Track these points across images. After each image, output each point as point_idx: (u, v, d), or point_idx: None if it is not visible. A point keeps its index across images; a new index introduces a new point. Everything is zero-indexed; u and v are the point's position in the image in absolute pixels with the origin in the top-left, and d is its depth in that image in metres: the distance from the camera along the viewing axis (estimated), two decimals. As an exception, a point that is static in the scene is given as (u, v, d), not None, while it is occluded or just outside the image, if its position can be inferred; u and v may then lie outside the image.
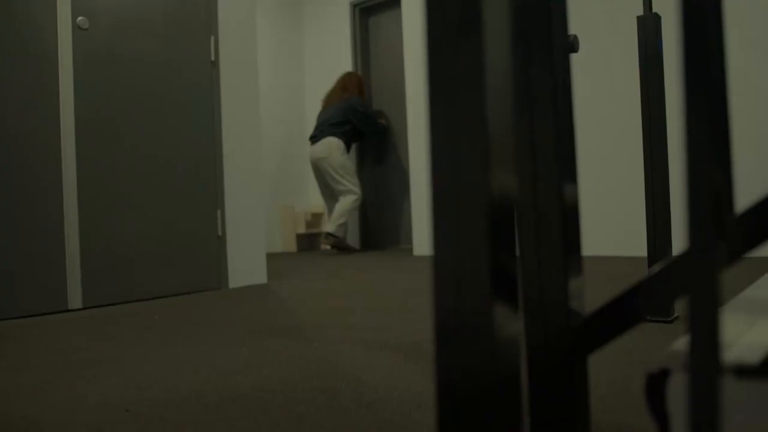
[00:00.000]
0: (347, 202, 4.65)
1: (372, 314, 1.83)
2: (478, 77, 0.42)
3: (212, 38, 2.72)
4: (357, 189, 4.69)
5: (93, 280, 2.26)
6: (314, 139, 4.78)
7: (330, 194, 4.90)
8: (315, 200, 5.81)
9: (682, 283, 0.49)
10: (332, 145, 4.66)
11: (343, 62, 5.52)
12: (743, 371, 0.42)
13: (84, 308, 2.24)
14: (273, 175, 5.48)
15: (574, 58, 3.60)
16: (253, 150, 2.85)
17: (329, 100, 4.91)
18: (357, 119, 4.74)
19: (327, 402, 0.95)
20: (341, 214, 4.61)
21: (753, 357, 0.42)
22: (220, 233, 2.69)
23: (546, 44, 0.57)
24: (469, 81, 0.42)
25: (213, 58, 2.71)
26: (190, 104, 2.61)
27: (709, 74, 0.38)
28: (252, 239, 2.81)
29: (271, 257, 4.84)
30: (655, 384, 0.46)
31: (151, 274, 2.44)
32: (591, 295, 1.95)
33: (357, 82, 4.88)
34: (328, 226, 4.62)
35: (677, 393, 0.45)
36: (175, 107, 2.56)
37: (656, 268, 0.50)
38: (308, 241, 5.70)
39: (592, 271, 2.72)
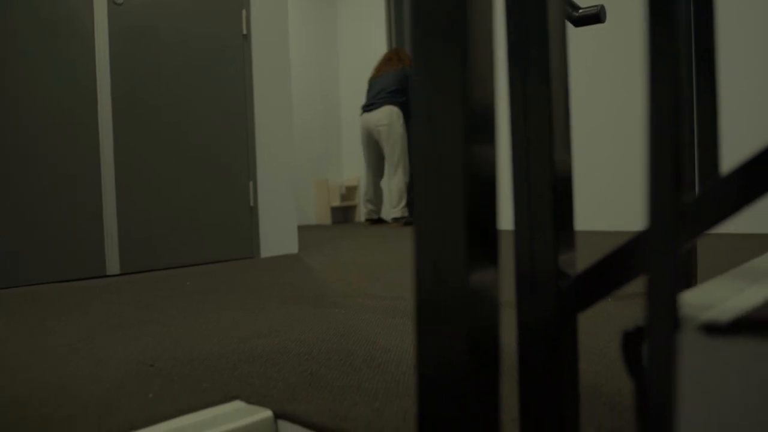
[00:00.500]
0: (400, 182, 4.59)
1: (396, 285, 1.86)
2: (458, 44, 0.43)
3: (243, 12, 2.75)
4: (406, 166, 4.64)
5: (130, 248, 2.34)
6: (371, 106, 4.69)
7: (377, 167, 4.82)
8: (349, 174, 5.85)
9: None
10: (393, 113, 4.57)
11: (377, 36, 5.50)
12: (713, 329, 0.43)
13: (121, 274, 2.33)
14: (308, 150, 5.53)
15: (573, 27, 3.52)
16: (284, 123, 2.89)
17: (383, 68, 4.79)
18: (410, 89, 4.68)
19: (340, 362, 0.98)
20: (400, 197, 4.60)
21: (725, 317, 0.43)
22: (252, 204, 2.75)
23: (541, 10, 0.58)
24: (449, 47, 0.43)
25: (245, 32, 2.74)
26: (222, 78, 2.65)
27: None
28: (283, 210, 2.87)
29: (306, 229, 4.91)
30: (631, 342, 0.47)
31: (185, 242, 2.52)
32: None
33: (407, 56, 4.82)
34: (395, 213, 4.60)
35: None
36: (207, 81, 2.61)
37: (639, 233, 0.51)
38: (342, 214, 5.75)
39: (595, 245, 2.69)
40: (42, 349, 1.18)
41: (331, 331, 1.24)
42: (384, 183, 5.40)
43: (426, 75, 0.44)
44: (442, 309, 0.46)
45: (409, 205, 4.74)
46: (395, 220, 4.63)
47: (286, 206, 2.88)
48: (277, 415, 0.79)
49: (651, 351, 0.39)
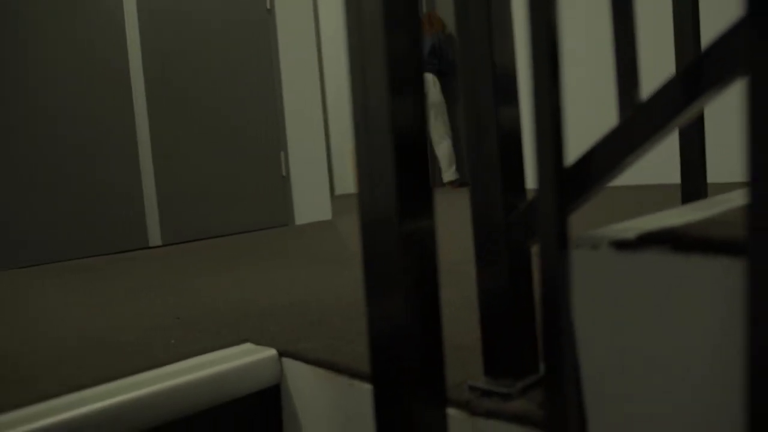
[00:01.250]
0: (447, 147, 4.64)
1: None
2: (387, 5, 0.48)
3: (267, -15, 2.81)
4: (449, 131, 4.67)
5: (170, 220, 2.47)
6: None
7: None
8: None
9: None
10: (429, 80, 4.57)
11: (409, 0, 5.47)
12: (621, 245, 0.48)
13: (163, 245, 2.46)
14: (345, 119, 5.60)
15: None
16: (312, 95, 2.95)
17: None
18: (444, 55, 4.67)
19: (343, 313, 1.06)
20: (450, 161, 4.66)
21: (631, 234, 0.48)
22: (284, 173, 2.84)
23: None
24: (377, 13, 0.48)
25: (269, 6, 2.81)
26: (248, 53, 2.73)
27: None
28: (315, 178, 2.95)
29: (342, 198, 5.01)
30: (558, 260, 0.52)
31: (222, 213, 2.63)
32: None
33: (439, 20, 4.79)
34: (448, 176, 4.67)
35: (575, 266, 0.51)
36: (234, 56, 2.69)
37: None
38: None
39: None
40: (89, 305, 1.30)
41: (348, 287, 1.31)
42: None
43: (356, 37, 0.50)
44: (381, 255, 0.52)
45: (459, 168, 4.78)
46: (450, 183, 4.69)
47: (318, 174, 2.96)
48: (281, 354, 0.87)
49: (542, 269, 0.44)
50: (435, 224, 0.53)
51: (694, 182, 1.09)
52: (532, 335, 0.65)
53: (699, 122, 1.07)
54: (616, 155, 0.49)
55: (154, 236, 2.44)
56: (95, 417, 0.72)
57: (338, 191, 5.60)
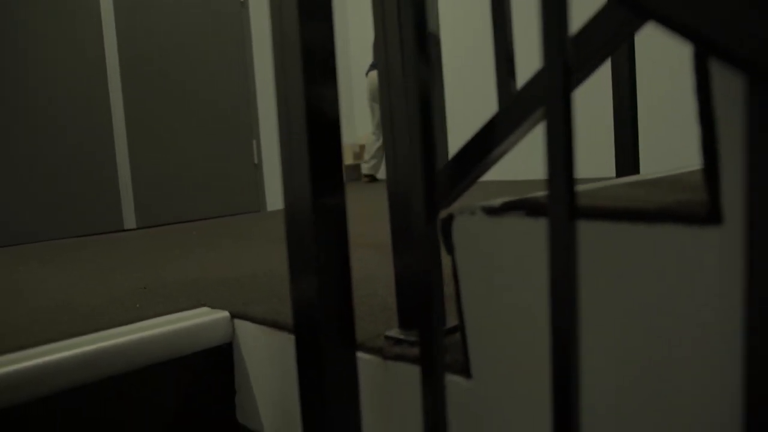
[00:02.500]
0: (373, 141, 4.75)
1: (377, 230, 2.03)
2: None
3: (242, -22, 2.89)
4: None
5: (145, 204, 2.56)
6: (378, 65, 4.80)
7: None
8: (362, 132, 6.00)
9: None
10: None
11: (386, -6, 5.57)
12: (490, 211, 0.60)
13: (138, 228, 2.55)
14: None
15: None
16: (286, 83, 3.05)
17: None
18: None
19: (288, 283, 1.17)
20: (370, 155, 4.75)
21: (498, 203, 0.60)
22: (256, 161, 2.94)
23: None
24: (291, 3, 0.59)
25: (242, 0, 2.90)
26: (223, 44, 2.82)
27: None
28: (288, 167, 3.05)
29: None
30: (446, 224, 0.64)
31: (196, 198, 2.72)
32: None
33: None
34: (363, 168, 4.76)
35: (457, 230, 0.63)
36: (209, 47, 2.77)
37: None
38: (356, 172, 5.92)
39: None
40: (62, 279, 1.40)
41: (302, 261, 1.42)
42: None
43: (279, 28, 0.61)
44: (300, 229, 0.63)
45: None
46: (365, 176, 4.80)
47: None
48: (233, 315, 0.98)
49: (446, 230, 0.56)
50: (345, 201, 0.65)
51: (626, 172, 1.21)
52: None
53: (633, 115, 1.19)
54: (486, 149, 0.61)
55: (129, 219, 2.53)
56: (63, 363, 0.82)
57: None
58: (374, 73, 4.77)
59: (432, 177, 0.56)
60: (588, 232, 0.52)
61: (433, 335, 0.57)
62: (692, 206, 0.46)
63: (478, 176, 0.63)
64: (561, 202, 0.43)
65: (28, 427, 0.80)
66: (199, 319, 0.96)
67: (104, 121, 2.45)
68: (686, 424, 0.48)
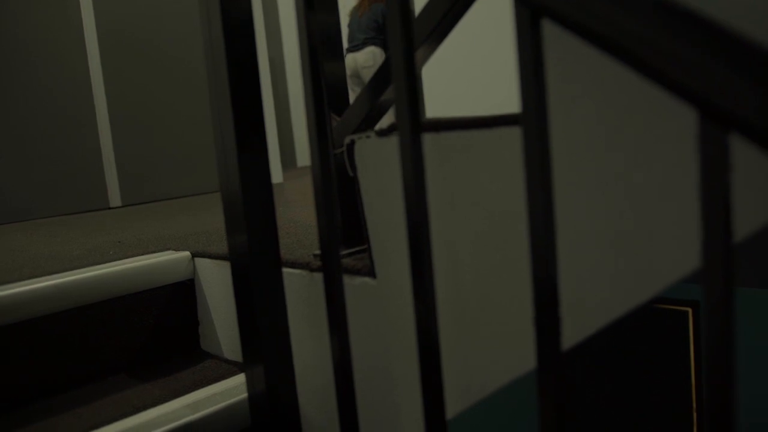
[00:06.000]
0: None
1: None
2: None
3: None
4: None
5: (129, 183, 2.69)
6: (356, 48, 4.84)
7: None
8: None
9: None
10: (377, 55, 4.75)
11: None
12: (381, 133, 0.73)
13: (123, 206, 2.68)
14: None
15: None
16: (263, 69, 3.17)
17: (360, 9, 4.91)
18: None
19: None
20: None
21: (386, 125, 0.73)
22: (236, 141, 3.06)
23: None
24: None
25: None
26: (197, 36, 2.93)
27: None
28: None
29: (303, 169, 5.23)
30: (350, 148, 0.77)
31: (179, 176, 2.85)
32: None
33: None
34: None
35: (358, 152, 0.76)
36: (192, 26, 2.89)
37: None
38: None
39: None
40: (47, 241, 1.54)
41: (267, 218, 1.56)
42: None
43: (204, 10, 0.73)
44: (232, 190, 0.76)
45: None
46: None
47: (269, 142, 3.18)
48: (194, 255, 1.12)
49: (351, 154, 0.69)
50: (268, 164, 0.78)
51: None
52: (357, 220, 0.90)
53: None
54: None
55: (114, 198, 2.66)
56: (44, 291, 0.96)
57: (300, 163, 5.81)
58: (353, 56, 4.86)
59: (324, 129, 0.69)
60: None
61: (331, 241, 0.70)
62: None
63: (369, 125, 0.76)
64: (405, 120, 0.56)
65: (11, 347, 0.94)
66: (164, 257, 1.09)
67: (85, 97, 2.57)
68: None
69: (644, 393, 2.43)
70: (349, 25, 4.95)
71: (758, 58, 0.34)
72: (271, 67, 4.78)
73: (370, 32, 4.77)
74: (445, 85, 4.32)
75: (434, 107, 4.27)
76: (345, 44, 5.15)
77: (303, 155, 5.93)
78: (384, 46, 4.82)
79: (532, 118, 0.46)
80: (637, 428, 2.45)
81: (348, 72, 4.94)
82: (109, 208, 2.64)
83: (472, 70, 4.17)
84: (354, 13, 4.93)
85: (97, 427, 0.83)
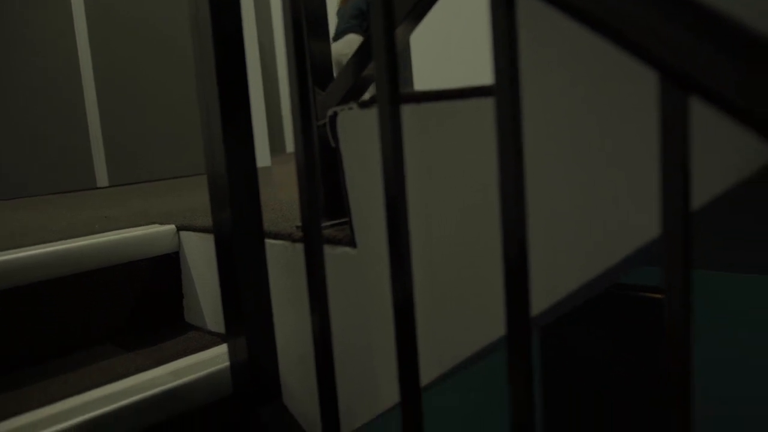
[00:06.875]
0: None
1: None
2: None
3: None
4: None
5: (116, 163, 2.69)
6: (336, 36, 4.88)
7: None
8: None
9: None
10: (354, 42, 4.77)
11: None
12: (363, 104, 0.74)
13: (110, 186, 2.68)
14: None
15: None
16: (252, 56, 3.17)
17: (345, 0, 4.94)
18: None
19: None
20: None
21: (368, 97, 0.75)
22: (225, 124, 3.07)
23: None
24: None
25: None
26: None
27: None
28: (255, 129, 3.18)
29: (292, 155, 5.23)
30: (332, 120, 0.78)
31: (167, 157, 2.85)
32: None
33: None
34: None
35: (340, 123, 0.78)
36: (180, 12, 2.88)
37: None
38: (333, 143, 6.04)
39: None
40: (36, 216, 1.54)
41: (253, 197, 1.57)
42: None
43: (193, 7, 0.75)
44: (218, 172, 0.78)
45: None
46: None
47: (258, 125, 3.19)
48: (179, 228, 1.13)
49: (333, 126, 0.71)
50: (253, 138, 0.80)
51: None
52: (339, 194, 0.92)
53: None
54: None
55: (102, 178, 2.65)
56: (30, 261, 0.97)
57: (289, 149, 5.80)
58: (334, 45, 4.87)
59: (307, 99, 0.70)
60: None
61: (312, 209, 0.72)
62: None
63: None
64: (384, 89, 0.57)
65: (-1, 312, 0.95)
66: (149, 230, 1.10)
67: (73, 77, 2.56)
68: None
69: (625, 382, 2.48)
70: (338, 20, 4.97)
71: (714, 21, 0.36)
72: (261, 53, 4.78)
73: (352, 20, 4.80)
74: (436, 63, 4.34)
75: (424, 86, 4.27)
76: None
77: (292, 141, 5.91)
78: (364, 32, 4.84)
79: (505, 87, 0.48)
80: (617, 414, 2.49)
81: (334, 67, 4.95)
82: (97, 188, 2.64)
83: (465, 49, 4.18)
84: (340, 7, 4.96)
85: (82, 392, 0.85)
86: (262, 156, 3.23)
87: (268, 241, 0.90)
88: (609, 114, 0.55)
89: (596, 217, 0.57)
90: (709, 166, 0.49)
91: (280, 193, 1.56)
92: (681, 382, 0.41)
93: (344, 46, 4.79)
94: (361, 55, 0.80)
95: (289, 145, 5.83)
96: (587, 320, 2.54)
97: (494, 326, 0.67)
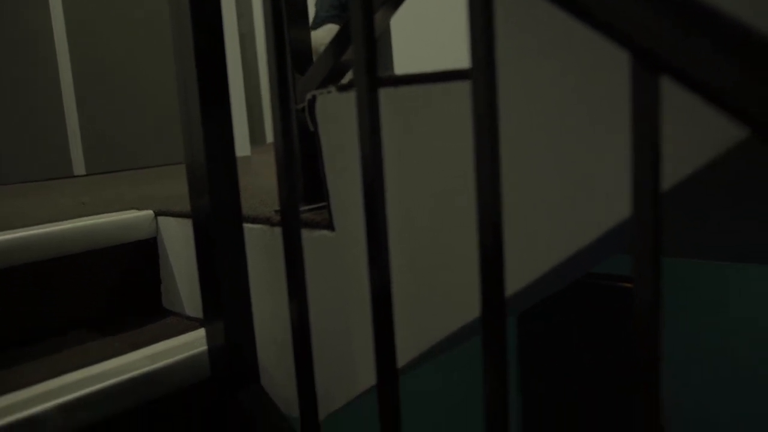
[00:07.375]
0: None
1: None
2: None
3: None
4: None
5: (93, 151, 2.66)
6: (315, 26, 4.86)
7: None
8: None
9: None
10: (333, 31, 4.76)
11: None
12: (341, 88, 0.75)
13: (87, 174, 2.65)
14: (276, 71, 5.75)
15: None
16: (233, 46, 3.14)
17: None
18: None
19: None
20: None
21: (347, 80, 0.75)
22: (204, 112, 3.04)
23: None
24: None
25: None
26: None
27: None
28: (235, 118, 3.16)
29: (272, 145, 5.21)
30: (311, 104, 0.79)
31: (145, 146, 2.83)
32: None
33: None
34: None
35: (318, 107, 0.78)
36: (158, 2, 2.85)
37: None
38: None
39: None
40: (13, 201, 1.52)
41: (232, 185, 1.56)
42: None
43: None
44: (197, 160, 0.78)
45: None
46: None
47: (238, 114, 3.17)
48: (157, 213, 1.12)
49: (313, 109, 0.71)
50: (231, 123, 0.79)
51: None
52: (318, 179, 0.92)
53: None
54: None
55: (79, 166, 2.62)
56: (6, 245, 0.96)
57: (270, 140, 5.78)
58: (313, 34, 4.84)
59: (286, 82, 0.71)
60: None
61: (290, 191, 0.72)
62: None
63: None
64: (362, 75, 0.58)
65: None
66: (127, 215, 1.10)
67: (49, 62, 2.53)
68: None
69: (599, 369, 2.51)
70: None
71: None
72: (242, 46, 4.75)
73: (332, 10, 4.78)
74: (418, 47, 4.35)
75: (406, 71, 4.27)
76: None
77: (272, 132, 5.89)
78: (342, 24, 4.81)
79: (481, 69, 0.49)
80: (592, 400, 2.53)
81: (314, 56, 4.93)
82: (73, 176, 2.61)
83: (447, 33, 4.18)
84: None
85: (56, 376, 0.84)
86: (242, 145, 3.21)
87: (247, 226, 0.90)
88: (582, 96, 0.56)
89: (569, 199, 0.57)
90: (680, 147, 0.50)
91: (260, 181, 1.56)
92: (650, 369, 0.41)
93: (324, 35, 4.76)
94: (340, 39, 0.81)
95: (269, 136, 5.80)
96: (562, 309, 2.57)
97: (470, 308, 0.68)
